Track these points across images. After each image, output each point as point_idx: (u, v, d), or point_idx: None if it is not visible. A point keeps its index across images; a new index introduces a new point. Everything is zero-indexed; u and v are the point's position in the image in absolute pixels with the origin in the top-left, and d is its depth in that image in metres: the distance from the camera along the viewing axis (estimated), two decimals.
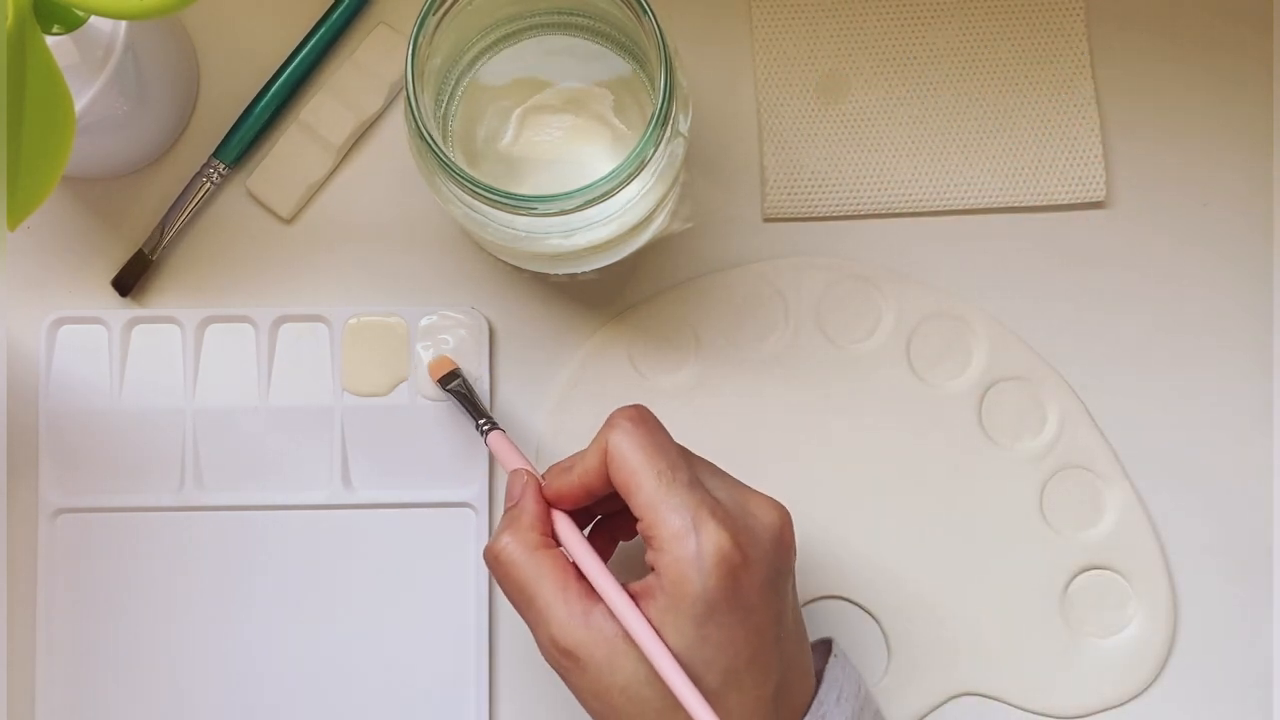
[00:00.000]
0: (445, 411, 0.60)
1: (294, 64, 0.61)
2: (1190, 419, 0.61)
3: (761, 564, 0.48)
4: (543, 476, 0.52)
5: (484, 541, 0.59)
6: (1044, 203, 0.61)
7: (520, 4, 0.54)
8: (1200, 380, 0.61)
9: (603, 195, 0.50)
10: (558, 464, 0.52)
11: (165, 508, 0.59)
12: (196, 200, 0.60)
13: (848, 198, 0.61)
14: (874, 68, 0.62)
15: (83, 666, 0.58)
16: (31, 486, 0.59)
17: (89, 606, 0.59)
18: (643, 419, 0.50)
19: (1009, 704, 0.59)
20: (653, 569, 0.48)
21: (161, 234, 0.60)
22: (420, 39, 0.50)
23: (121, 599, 0.59)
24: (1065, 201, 0.61)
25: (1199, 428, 0.61)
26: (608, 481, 0.50)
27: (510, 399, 0.60)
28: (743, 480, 0.60)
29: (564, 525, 0.51)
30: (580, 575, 0.49)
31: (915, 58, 0.62)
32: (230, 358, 0.60)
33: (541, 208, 0.50)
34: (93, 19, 0.52)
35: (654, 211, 0.55)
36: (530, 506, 0.51)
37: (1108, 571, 0.60)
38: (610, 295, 0.61)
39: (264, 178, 0.61)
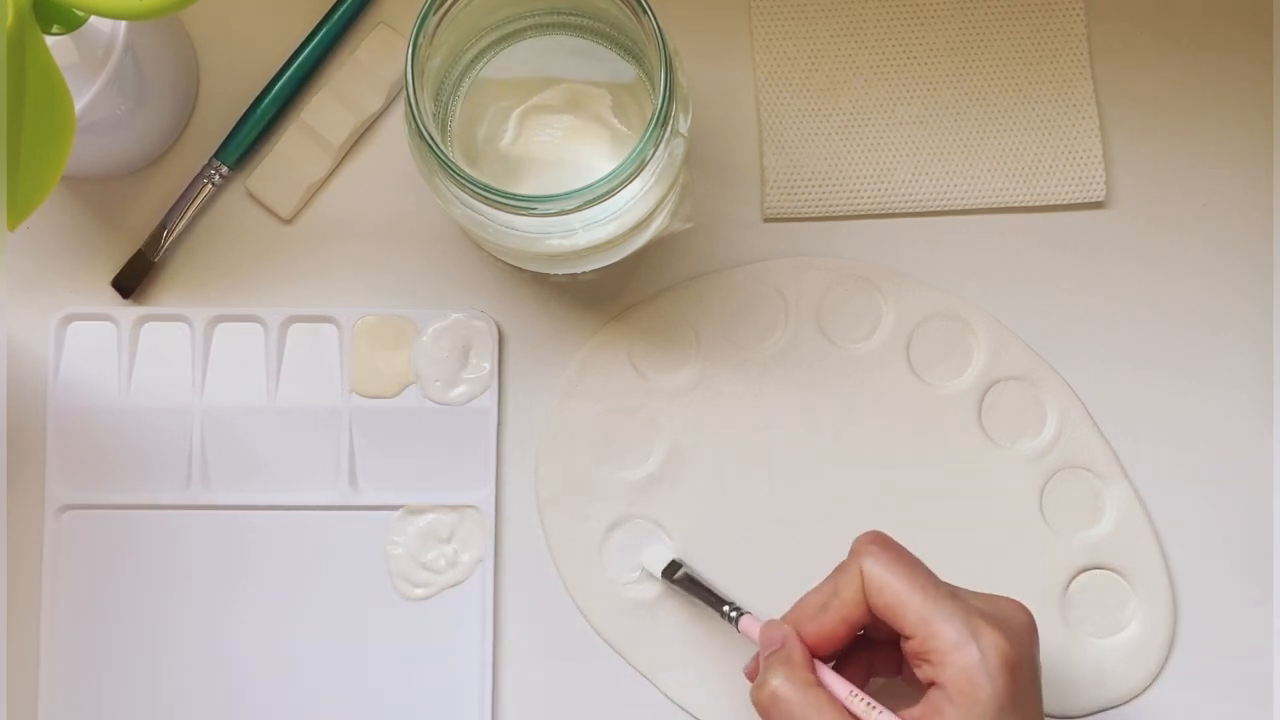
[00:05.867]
0: (452, 414, 0.60)
1: (295, 64, 0.61)
2: (1190, 419, 0.61)
3: (1032, 661, 0.50)
4: (787, 623, 0.52)
5: (491, 544, 0.59)
6: (1044, 203, 0.61)
7: (519, 4, 0.54)
8: (1200, 380, 0.61)
9: (603, 195, 0.50)
10: (801, 608, 0.52)
11: (171, 506, 0.59)
12: (197, 201, 0.60)
13: (847, 198, 0.61)
14: (874, 68, 0.62)
15: (86, 662, 0.59)
16: (38, 482, 0.60)
17: (93, 603, 0.59)
18: (888, 541, 0.51)
19: None
20: (932, 684, 0.49)
21: (162, 235, 0.60)
22: (420, 39, 0.50)
23: (125, 596, 0.59)
24: (1065, 201, 0.61)
25: (1199, 428, 0.61)
26: (867, 611, 0.50)
27: (511, 398, 0.60)
28: (741, 482, 0.60)
29: (826, 673, 0.51)
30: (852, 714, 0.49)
31: (915, 58, 0.62)
32: (238, 357, 0.60)
33: (541, 208, 0.50)
34: (93, 19, 0.52)
35: (654, 211, 0.55)
36: (799, 647, 0.51)
37: (1108, 571, 0.60)
38: (610, 295, 0.61)
39: (264, 178, 0.61)
